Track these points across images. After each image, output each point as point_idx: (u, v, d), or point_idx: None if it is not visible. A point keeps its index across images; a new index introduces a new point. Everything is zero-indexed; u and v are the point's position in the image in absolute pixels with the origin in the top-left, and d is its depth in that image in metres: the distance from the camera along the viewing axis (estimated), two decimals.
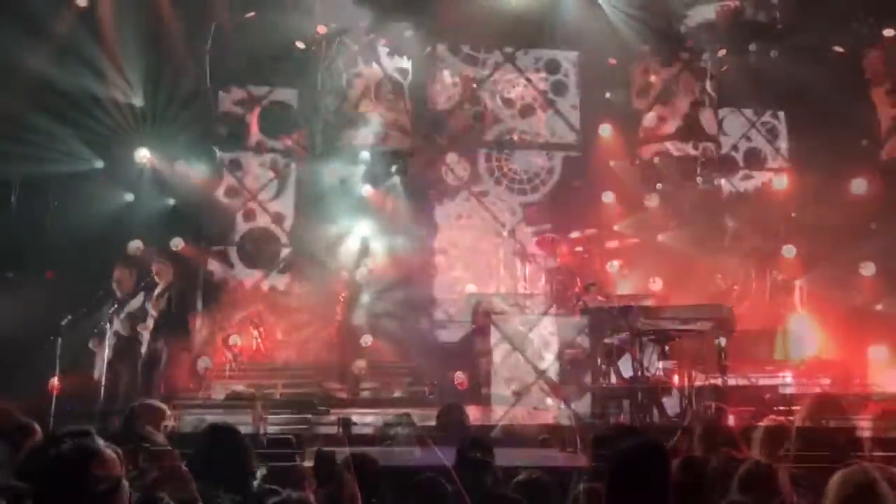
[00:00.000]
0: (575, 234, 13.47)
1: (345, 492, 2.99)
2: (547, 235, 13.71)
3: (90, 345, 8.89)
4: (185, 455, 3.70)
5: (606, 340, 9.87)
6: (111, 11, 11.68)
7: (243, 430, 4.05)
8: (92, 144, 11.80)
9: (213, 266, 13.44)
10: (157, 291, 9.37)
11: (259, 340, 12.93)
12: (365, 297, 13.48)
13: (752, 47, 14.03)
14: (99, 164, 11.96)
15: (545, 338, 12.14)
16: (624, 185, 14.26)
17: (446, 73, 14.72)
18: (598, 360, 9.83)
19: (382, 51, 14.20)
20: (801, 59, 13.08)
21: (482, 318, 12.20)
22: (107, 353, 8.52)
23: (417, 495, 3.18)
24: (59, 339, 7.97)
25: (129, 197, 12.35)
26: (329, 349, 13.03)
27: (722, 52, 14.27)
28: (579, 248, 13.41)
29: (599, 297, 10.61)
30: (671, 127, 14.56)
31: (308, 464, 4.49)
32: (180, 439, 4.09)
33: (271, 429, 8.43)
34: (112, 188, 12.14)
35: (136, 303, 9.25)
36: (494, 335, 11.74)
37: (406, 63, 14.34)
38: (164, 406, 3.94)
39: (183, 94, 12.35)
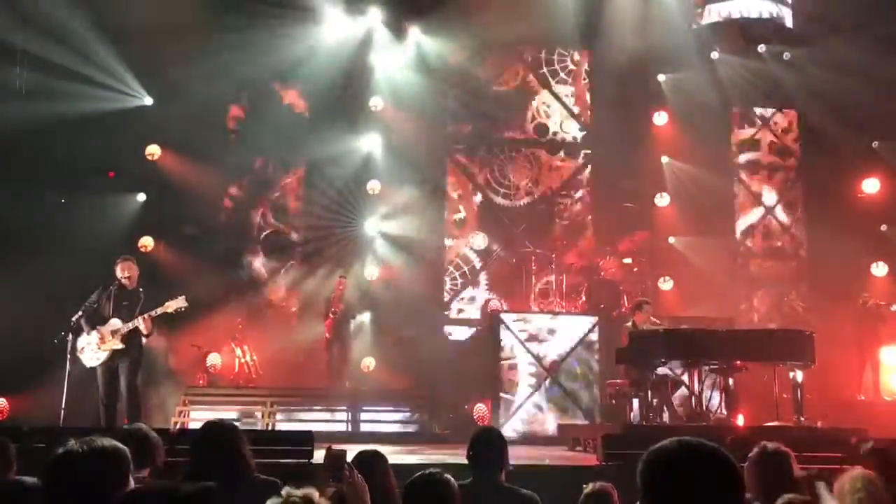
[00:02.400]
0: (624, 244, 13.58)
1: (354, 490, 3.15)
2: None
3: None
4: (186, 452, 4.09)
5: (659, 371, 9.86)
6: None
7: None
8: None
9: None
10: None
11: (243, 359, 13.01)
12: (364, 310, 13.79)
13: None
14: None
15: (584, 363, 12.24)
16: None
17: None
18: (650, 394, 9.82)
19: None
20: None
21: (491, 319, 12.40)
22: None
23: (427, 492, 3.35)
24: (70, 335, 8.62)
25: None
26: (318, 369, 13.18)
27: None
28: (628, 260, 13.48)
29: (653, 319, 10.60)
30: None
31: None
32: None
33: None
34: None
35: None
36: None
37: None
38: (157, 440, 4.09)
39: None
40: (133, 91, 13.42)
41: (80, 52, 12.36)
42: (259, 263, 14.49)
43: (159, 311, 8.69)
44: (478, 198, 15.40)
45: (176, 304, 8.76)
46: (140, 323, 8.63)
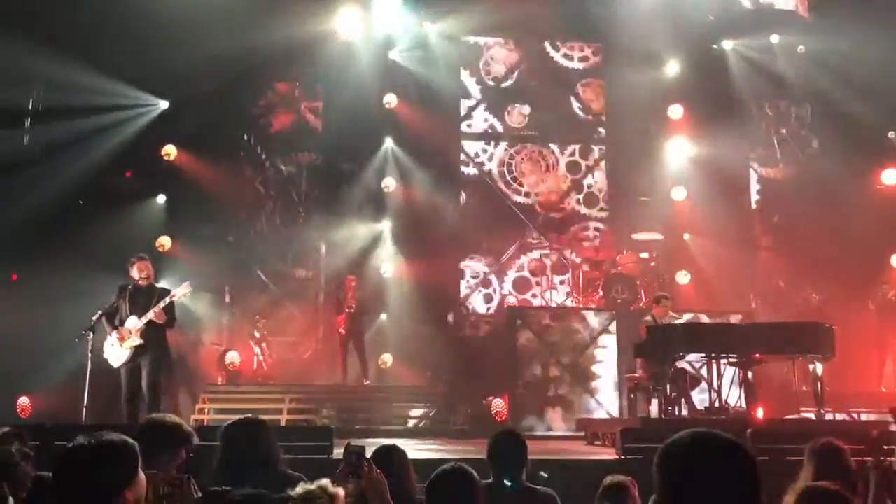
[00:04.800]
0: (641, 236, 13.49)
1: (374, 485, 3.17)
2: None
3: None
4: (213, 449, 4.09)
5: (678, 364, 9.81)
6: None
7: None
8: None
9: None
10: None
11: (262, 358, 13.07)
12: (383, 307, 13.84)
13: None
14: None
15: (601, 357, 12.22)
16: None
17: None
18: (668, 388, 9.77)
19: None
20: None
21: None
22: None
23: (446, 487, 3.38)
24: (91, 334, 8.67)
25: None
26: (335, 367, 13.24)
27: None
28: (645, 254, 13.42)
29: (671, 313, 10.55)
30: None
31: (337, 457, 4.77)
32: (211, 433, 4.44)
33: None
34: None
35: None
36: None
37: None
38: (187, 428, 4.09)
39: None
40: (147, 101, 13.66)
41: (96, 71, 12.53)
42: None
43: (167, 299, 8.75)
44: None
45: (182, 290, 8.83)
46: (153, 315, 8.70)
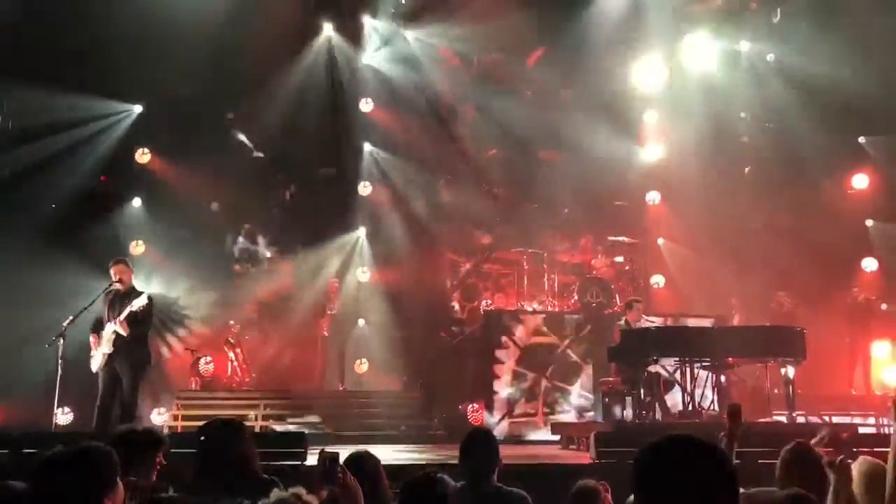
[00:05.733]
0: (616, 239, 13.56)
1: (348, 492, 3.18)
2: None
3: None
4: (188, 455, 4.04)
5: (651, 369, 9.87)
6: None
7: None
8: None
9: None
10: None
11: (237, 363, 12.98)
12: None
13: None
14: None
15: (576, 363, 12.24)
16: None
17: None
18: (642, 392, 9.82)
19: None
20: None
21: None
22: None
23: (418, 495, 3.37)
24: (62, 340, 8.54)
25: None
26: (316, 373, 13.14)
27: None
28: (619, 258, 13.49)
29: (645, 317, 10.60)
30: None
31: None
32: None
33: None
34: None
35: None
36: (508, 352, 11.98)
37: None
38: (159, 433, 4.03)
39: None
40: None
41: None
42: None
43: (127, 310, 8.65)
44: None
45: (139, 302, 8.71)
46: (117, 326, 8.62)
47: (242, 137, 14.63)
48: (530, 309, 13.30)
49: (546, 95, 15.10)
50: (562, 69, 14.65)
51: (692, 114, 14.39)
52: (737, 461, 3.99)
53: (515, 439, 11.59)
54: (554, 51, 14.75)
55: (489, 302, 14.32)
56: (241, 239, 14.47)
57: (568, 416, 12.02)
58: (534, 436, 11.86)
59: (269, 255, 14.54)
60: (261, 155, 14.73)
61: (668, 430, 2.18)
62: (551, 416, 12.01)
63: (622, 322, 10.53)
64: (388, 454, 8.86)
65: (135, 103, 13.68)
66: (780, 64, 14.72)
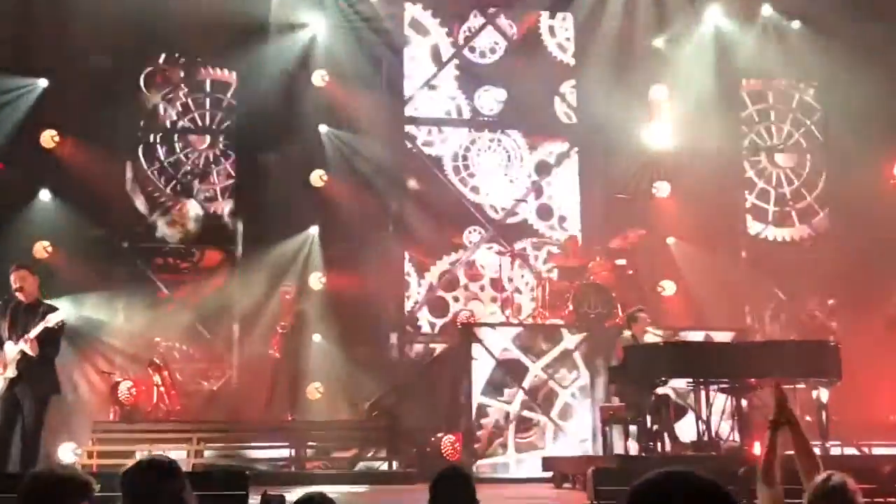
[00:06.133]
0: (616, 242, 13.60)
1: None
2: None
3: None
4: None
5: (659, 391, 9.90)
6: None
7: None
8: None
9: None
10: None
11: (163, 389, 12.86)
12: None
13: None
14: None
15: (571, 383, 12.26)
16: None
17: None
18: (649, 419, 9.85)
19: None
20: None
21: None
22: None
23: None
24: None
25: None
26: (260, 401, 13.07)
27: None
28: (621, 261, 13.50)
29: (650, 330, 10.63)
30: None
31: None
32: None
33: None
34: None
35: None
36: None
37: None
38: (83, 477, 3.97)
39: None
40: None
41: None
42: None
43: (40, 326, 8.52)
44: None
45: (55, 317, 8.59)
46: (25, 346, 8.48)
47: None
48: (515, 321, 13.28)
49: None
50: None
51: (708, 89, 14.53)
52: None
53: (498, 477, 11.56)
54: None
55: (468, 313, 14.30)
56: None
57: (562, 447, 12.01)
58: (521, 472, 11.84)
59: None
60: None
61: (680, 465, 2.17)
62: (542, 449, 11.99)
63: (627, 335, 10.55)
64: (346, 496, 8.85)
65: (38, 77, 13.47)
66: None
